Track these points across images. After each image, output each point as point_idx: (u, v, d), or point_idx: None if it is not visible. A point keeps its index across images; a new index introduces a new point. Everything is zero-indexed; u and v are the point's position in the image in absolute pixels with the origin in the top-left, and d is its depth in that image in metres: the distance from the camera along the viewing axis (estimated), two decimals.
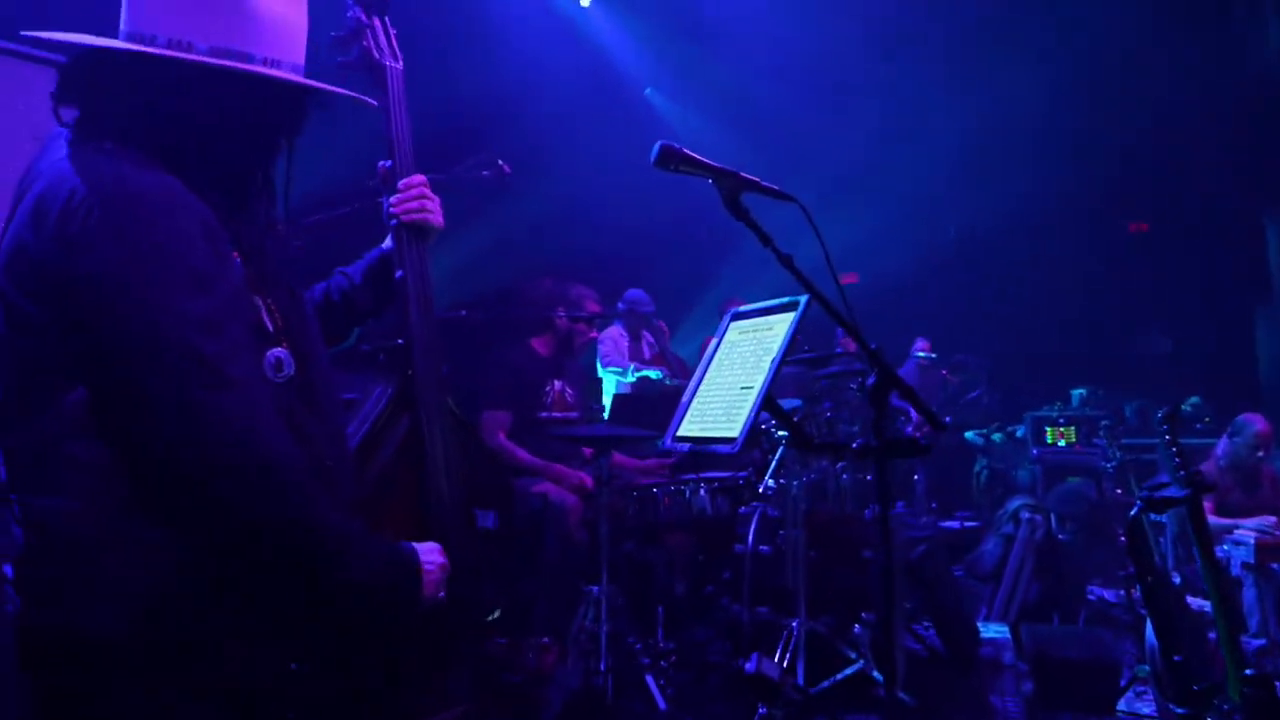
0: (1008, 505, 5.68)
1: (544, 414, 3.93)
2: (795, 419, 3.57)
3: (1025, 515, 5.32)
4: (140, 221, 1.17)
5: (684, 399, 1.91)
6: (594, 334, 4.22)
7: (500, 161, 3.40)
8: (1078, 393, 8.78)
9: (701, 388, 1.89)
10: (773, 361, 1.74)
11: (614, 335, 5.85)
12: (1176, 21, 8.20)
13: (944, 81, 8.87)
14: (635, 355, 5.89)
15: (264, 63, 1.31)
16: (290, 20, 1.37)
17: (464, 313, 3.79)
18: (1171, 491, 2.36)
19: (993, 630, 4.59)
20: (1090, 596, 5.10)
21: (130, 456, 1.17)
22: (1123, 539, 5.24)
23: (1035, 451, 8.40)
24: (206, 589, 1.19)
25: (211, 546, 1.20)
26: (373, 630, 1.40)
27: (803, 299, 1.82)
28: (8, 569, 1.21)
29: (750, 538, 3.52)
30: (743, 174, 1.86)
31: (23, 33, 1.33)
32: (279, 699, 1.28)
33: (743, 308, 1.98)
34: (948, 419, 8.30)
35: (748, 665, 2.69)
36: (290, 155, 1.46)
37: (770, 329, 1.83)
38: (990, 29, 8.49)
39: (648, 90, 9.11)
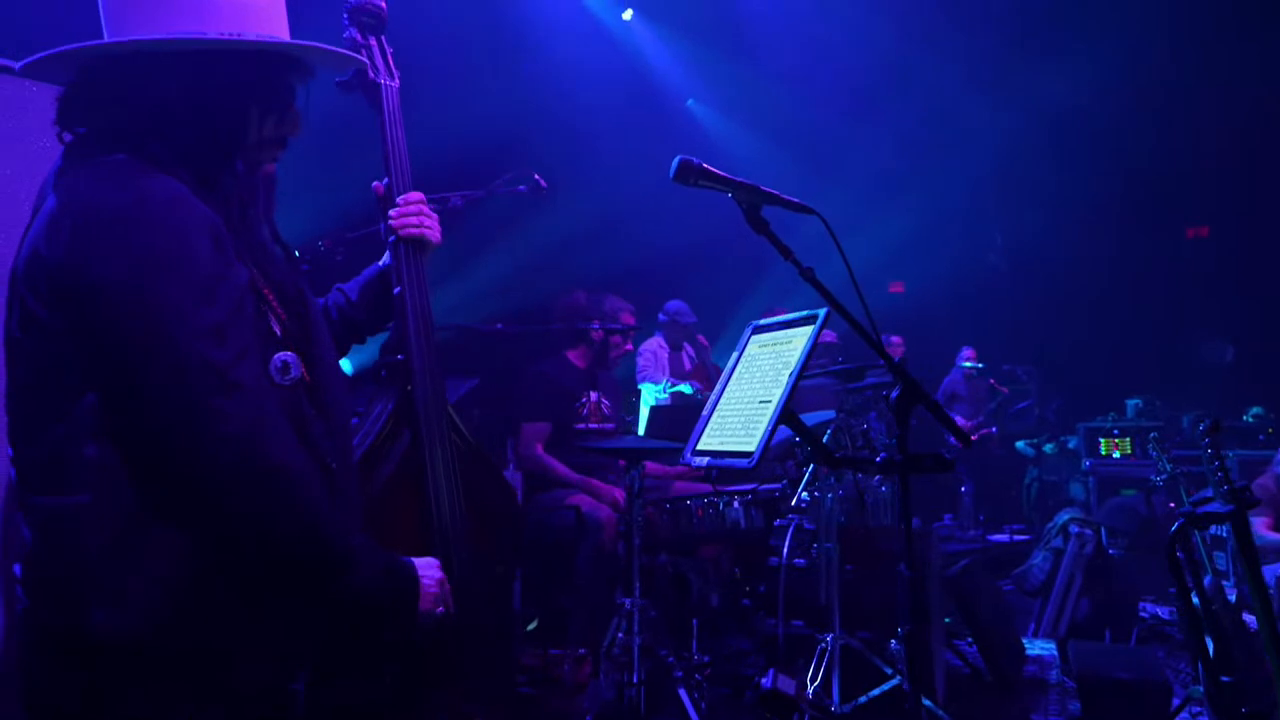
0: (1056, 519, 5.54)
1: (580, 425, 3.95)
2: (829, 431, 3.54)
3: (1074, 529, 5.19)
4: (147, 229, 1.20)
5: (704, 413, 1.91)
6: (628, 346, 4.24)
7: (536, 176, 3.45)
8: (1133, 403, 8.55)
9: (721, 402, 1.88)
10: (790, 375, 1.73)
11: (653, 348, 5.86)
12: (1236, 16, 7.95)
13: (992, 84, 8.72)
14: (675, 367, 5.89)
15: (220, 34, 1.31)
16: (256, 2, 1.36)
17: (500, 326, 3.84)
18: (1215, 507, 2.29)
19: (1039, 647, 4.48)
20: (1143, 614, 4.95)
21: (137, 459, 1.19)
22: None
23: (1088, 463, 8.21)
24: (211, 592, 1.21)
25: (216, 550, 1.22)
26: (371, 638, 1.41)
27: (821, 312, 1.81)
28: (16, 568, 1.24)
29: (785, 551, 3.49)
30: (762, 187, 1.86)
31: (20, 64, 1.34)
32: (281, 705, 1.29)
33: (763, 321, 1.97)
34: (993, 429, 8.15)
35: (764, 681, 2.66)
36: (270, 120, 1.40)
37: (789, 342, 1.82)
38: (1041, 29, 8.32)
39: (690, 101, 9.13)
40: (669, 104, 8.78)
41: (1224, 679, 2.66)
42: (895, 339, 7.74)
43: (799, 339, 1.80)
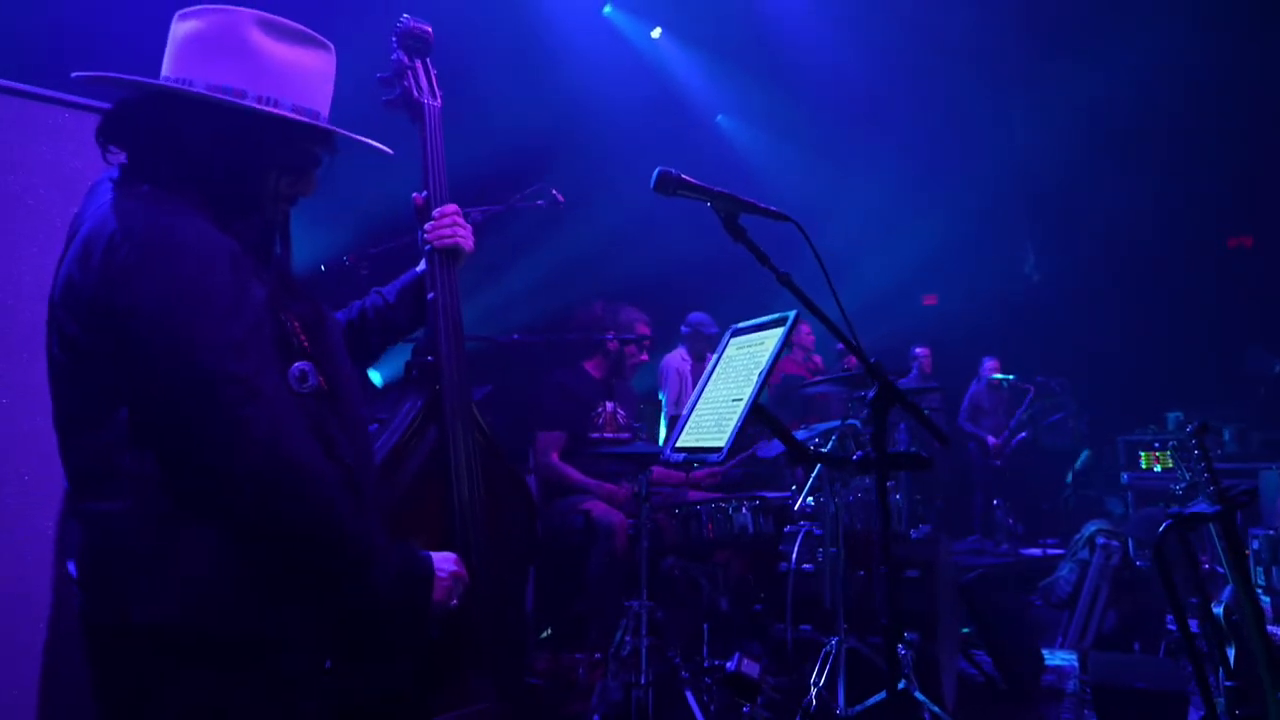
0: (1084, 530, 5.49)
1: (595, 434, 4.04)
2: (834, 437, 3.58)
3: (1101, 541, 5.14)
4: (172, 258, 1.31)
5: (684, 412, 1.99)
6: (644, 356, 4.32)
7: (554, 191, 3.57)
8: (1174, 415, 8.41)
9: (700, 401, 1.96)
10: (760, 374, 1.81)
11: (675, 364, 5.91)
12: (1277, 18, 7.80)
13: (1025, 93, 8.66)
14: (699, 377, 5.94)
15: (258, 100, 1.42)
16: (301, 66, 1.48)
17: (516, 336, 3.96)
18: (1202, 507, 2.29)
19: (1060, 658, 4.45)
20: (1171, 625, 4.87)
21: (170, 466, 1.30)
22: (1206, 564, 5.00)
23: (1126, 477, 8.08)
24: (242, 587, 1.31)
25: (245, 548, 1.31)
26: (389, 629, 1.49)
27: (791, 314, 1.89)
28: (72, 568, 1.35)
29: (793, 556, 3.53)
30: (739, 196, 1.94)
31: (75, 74, 1.48)
32: (310, 691, 1.39)
33: (741, 324, 2.05)
34: (1023, 435, 8.07)
35: (729, 665, 2.72)
36: (286, 180, 1.52)
37: (762, 344, 1.90)
38: (1074, 35, 8.24)
39: (719, 117, 9.23)
40: (698, 120, 8.89)
41: (1227, 684, 2.65)
42: (921, 350, 7.74)
43: (770, 340, 1.88)
